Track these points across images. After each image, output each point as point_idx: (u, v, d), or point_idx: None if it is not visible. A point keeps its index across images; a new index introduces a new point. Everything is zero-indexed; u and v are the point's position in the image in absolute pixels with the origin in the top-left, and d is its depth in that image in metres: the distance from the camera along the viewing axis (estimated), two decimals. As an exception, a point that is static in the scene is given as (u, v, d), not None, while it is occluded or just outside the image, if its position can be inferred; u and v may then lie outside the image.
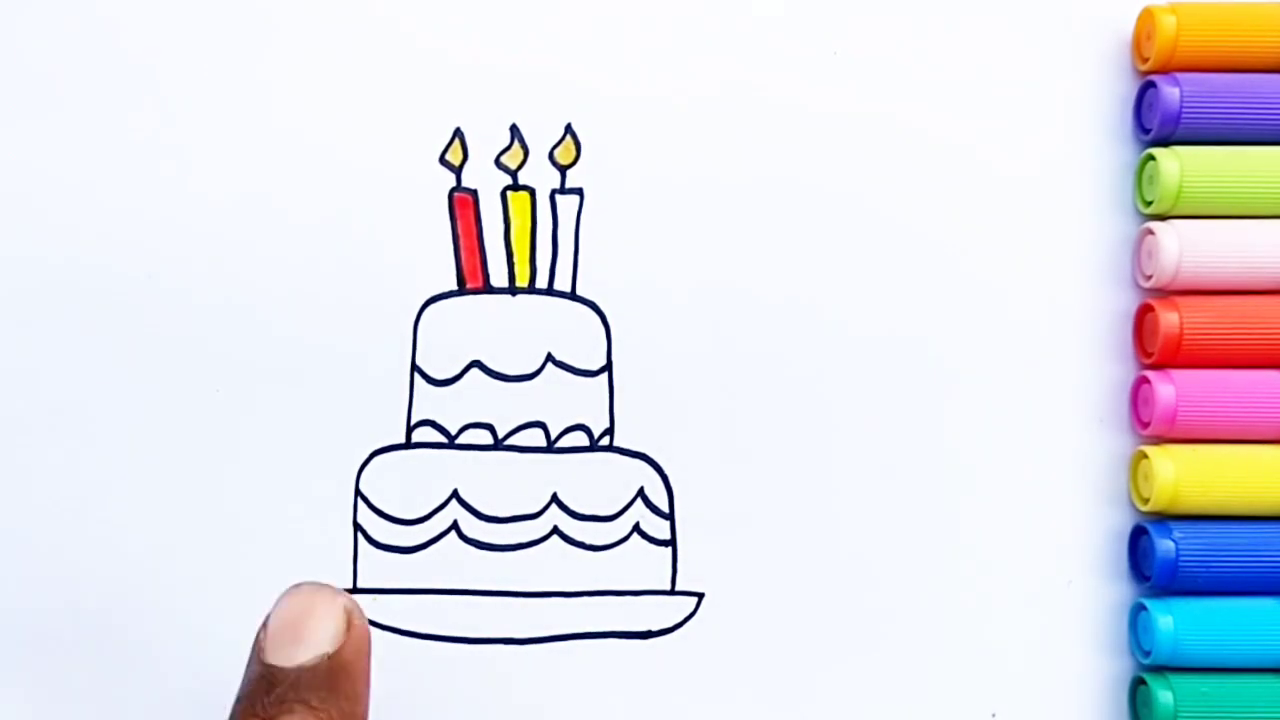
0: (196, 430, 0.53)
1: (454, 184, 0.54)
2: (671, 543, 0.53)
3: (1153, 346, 0.53)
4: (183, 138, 0.54)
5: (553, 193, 0.54)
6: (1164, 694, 0.52)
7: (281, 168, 0.53)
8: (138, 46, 0.54)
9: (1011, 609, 0.53)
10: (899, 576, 0.53)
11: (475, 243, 0.54)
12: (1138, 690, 0.53)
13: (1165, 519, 0.53)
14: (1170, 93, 0.52)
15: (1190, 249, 0.52)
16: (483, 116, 0.54)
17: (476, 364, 0.53)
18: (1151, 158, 0.53)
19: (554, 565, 0.53)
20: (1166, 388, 0.52)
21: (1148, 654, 0.52)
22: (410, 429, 0.53)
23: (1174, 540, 0.52)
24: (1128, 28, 0.54)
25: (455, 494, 0.53)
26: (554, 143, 0.54)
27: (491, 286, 0.54)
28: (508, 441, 0.53)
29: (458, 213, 0.54)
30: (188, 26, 0.54)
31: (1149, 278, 0.53)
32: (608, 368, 0.53)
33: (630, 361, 0.54)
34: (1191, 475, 0.52)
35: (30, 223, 0.54)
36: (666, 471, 0.53)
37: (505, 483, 0.53)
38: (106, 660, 0.53)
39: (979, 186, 0.54)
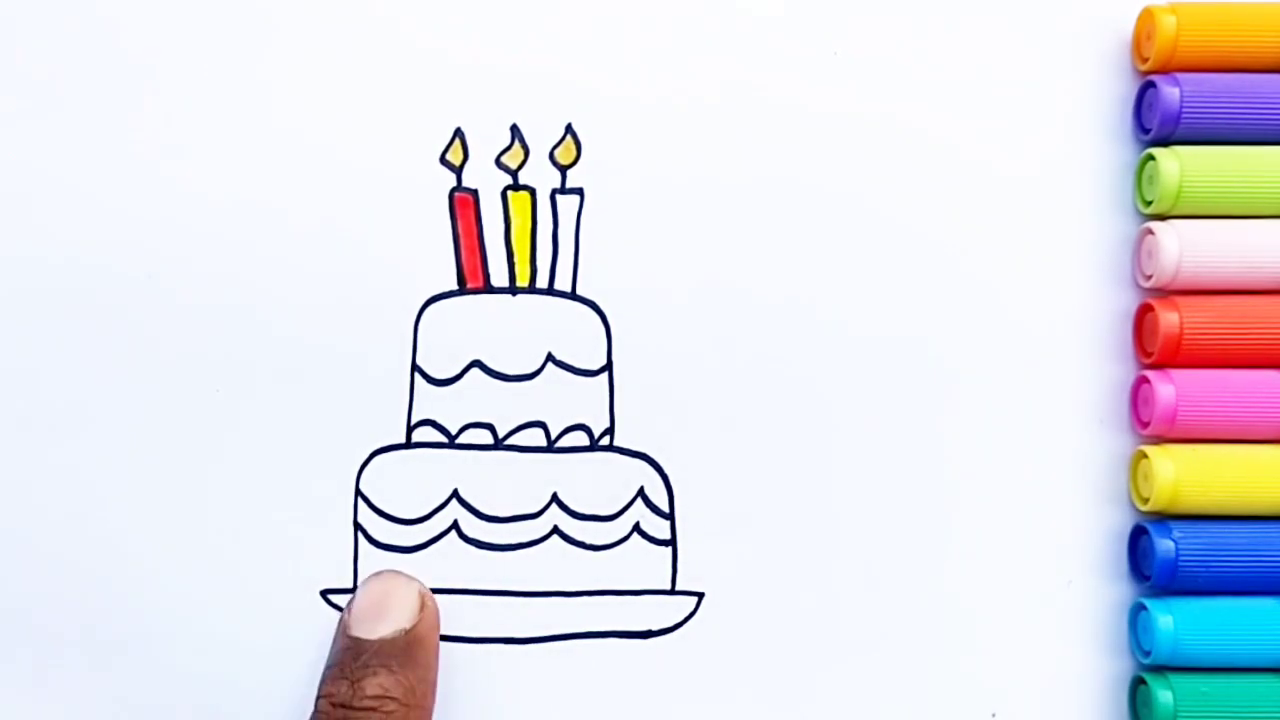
0: (196, 430, 0.53)
1: (454, 184, 0.54)
2: (671, 542, 0.53)
3: (1153, 346, 0.53)
4: (183, 138, 0.54)
5: (553, 192, 0.54)
6: (1164, 694, 0.52)
7: (282, 168, 0.53)
8: (138, 47, 0.54)
9: (1011, 609, 0.53)
10: (899, 576, 0.53)
11: (476, 242, 0.54)
12: (1138, 690, 0.53)
13: (1165, 519, 0.53)
14: (1170, 93, 0.52)
15: (1190, 249, 0.52)
16: (483, 116, 0.54)
17: (477, 364, 0.53)
18: (1151, 158, 0.53)
19: (554, 565, 0.53)
20: (1166, 388, 0.52)
21: (1148, 654, 0.52)
22: (410, 429, 0.53)
23: (1174, 540, 0.52)
24: (1128, 28, 0.54)
25: (455, 494, 0.53)
26: (554, 143, 0.54)
27: (492, 286, 0.54)
28: (508, 441, 0.53)
29: (458, 212, 0.54)
30: (188, 27, 0.54)
31: (1149, 277, 0.53)
32: (608, 368, 0.53)
33: (630, 361, 0.54)
34: (1191, 475, 0.52)
35: (30, 223, 0.54)
36: (666, 471, 0.53)
37: (505, 482, 0.53)
38: (107, 660, 0.53)
39: (979, 187, 0.54)
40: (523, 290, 0.54)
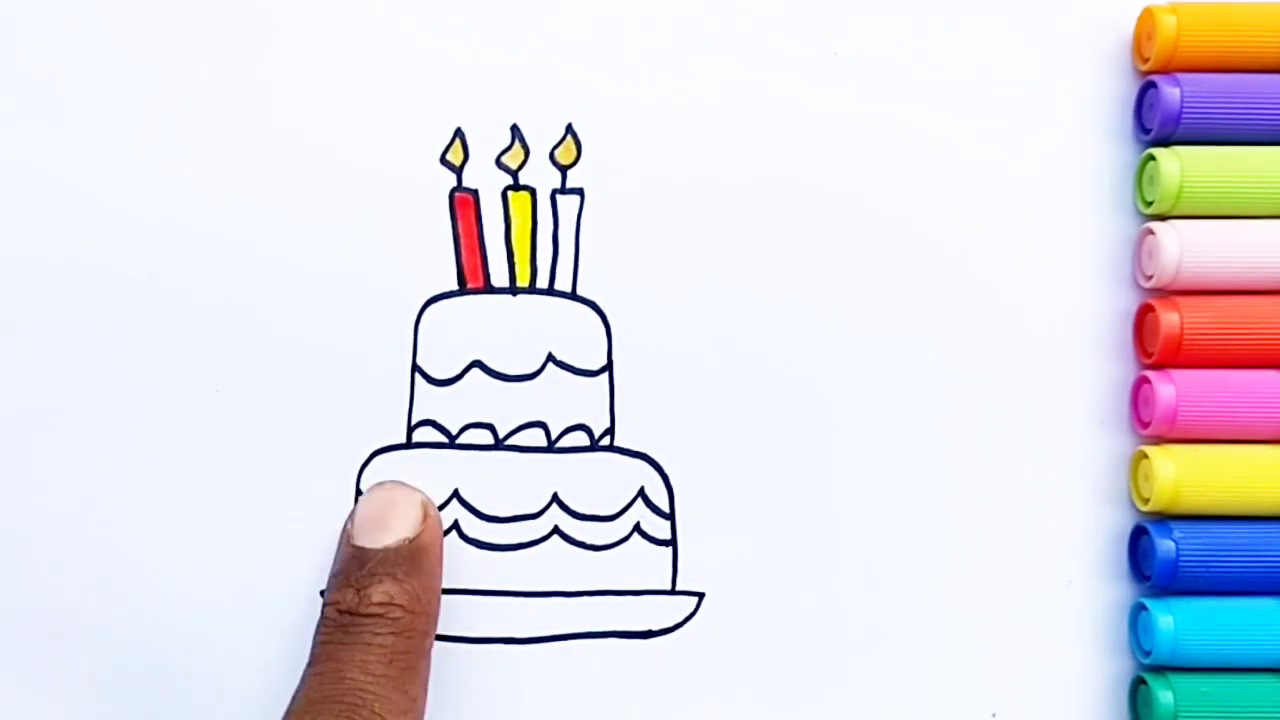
0: (196, 430, 0.53)
1: (455, 184, 0.54)
2: (672, 543, 0.53)
3: (1153, 346, 0.53)
4: (183, 138, 0.54)
5: (553, 193, 0.54)
6: (1164, 694, 0.52)
7: (282, 168, 0.53)
8: (138, 47, 0.54)
9: (1011, 609, 0.53)
10: (899, 576, 0.53)
11: (476, 242, 0.54)
12: (1138, 690, 0.53)
13: (1165, 519, 0.53)
14: (1171, 93, 0.52)
15: (1191, 249, 0.52)
16: (483, 116, 0.54)
17: (477, 364, 0.53)
18: (1152, 158, 0.53)
19: (554, 565, 0.53)
20: (1167, 388, 0.52)
21: (1148, 654, 0.52)
22: (411, 429, 0.53)
23: (1174, 540, 0.52)
24: (1128, 28, 0.54)
25: (456, 494, 0.53)
26: (555, 143, 0.54)
27: (492, 286, 0.54)
28: (508, 441, 0.53)
29: (458, 213, 0.54)
30: (188, 27, 0.54)
31: (1149, 278, 0.53)
32: (608, 368, 0.53)
33: (630, 361, 0.54)
34: (1191, 475, 0.52)
35: (30, 223, 0.54)
36: (667, 471, 0.53)
37: (506, 483, 0.53)
38: (106, 660, 0.53)
39: (979, 187, 0.54)
40: (523, 290, 0.54)
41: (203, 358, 0.53)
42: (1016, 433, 0.53)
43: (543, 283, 0.54)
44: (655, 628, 0.53)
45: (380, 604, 0.49)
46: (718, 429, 0.53)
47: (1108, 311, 0.54)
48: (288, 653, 0.53)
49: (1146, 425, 0.53)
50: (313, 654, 0.49)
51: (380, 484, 0.52)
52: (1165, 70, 0.53)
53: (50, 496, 0.53)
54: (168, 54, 0.54)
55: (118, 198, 0.53)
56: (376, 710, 0.47)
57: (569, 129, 0.54)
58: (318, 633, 0.49)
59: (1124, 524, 0.53)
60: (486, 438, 0.53)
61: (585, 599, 0.53)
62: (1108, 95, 0.54)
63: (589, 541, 0.53)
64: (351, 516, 0.51)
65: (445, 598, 0.53)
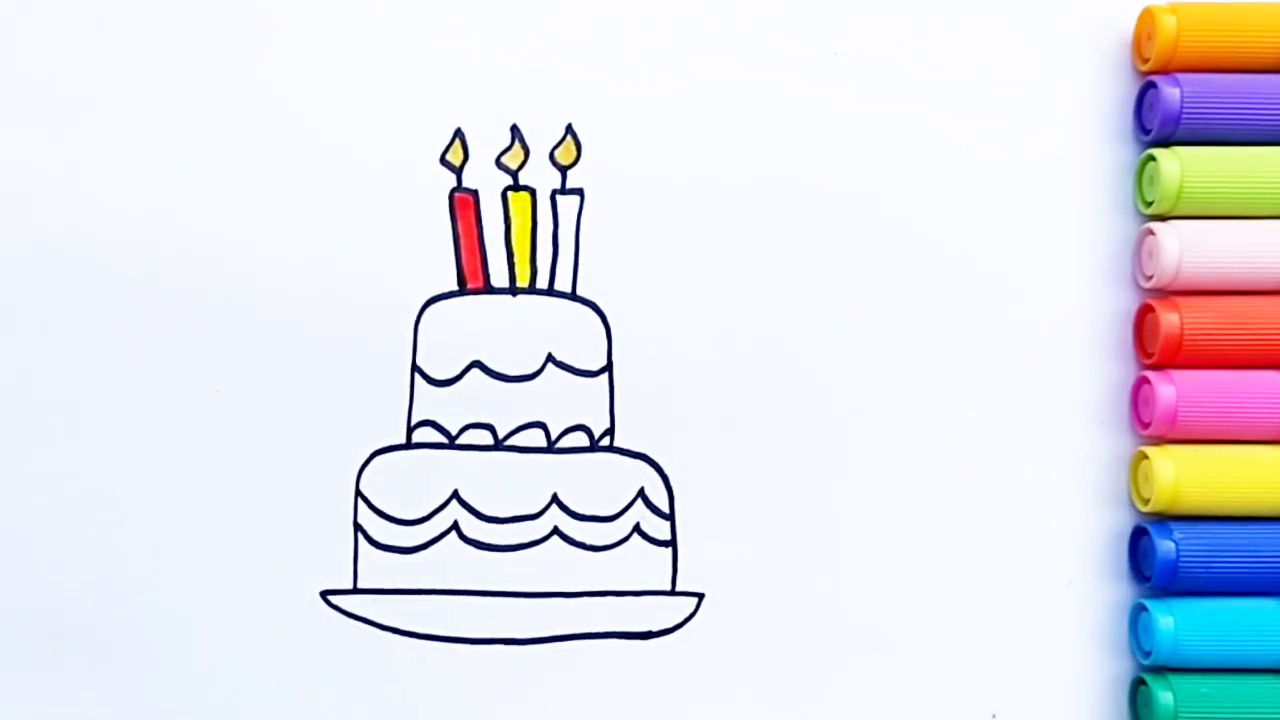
0: (197, 430, 0.53)
1: (455, 184, 0.54)
2: (672, 543, 0.53)
3: (1153, 347, 0.53)
4: (183, 139, 0.54)
5: (553, 193, 0.54)
6: (1164, 694, 0.52)
7: (282, 168, 0.53)
8: (138, 48, 0.54)
9: (1011, 609, 0.53)
10: (899, 576, 0.53)
11: (476, 243, 0.54)
12: (1138, 691, 0.53)
13: (1166, 519, 0.53)
14: (1171, 93, 0.52)
15: (1190, 249, 0.52)
16: (483, 117, 0.54)
17: (477, 364, 0.53)
18: (1152, 158, 0.53)
19: (554, 565, 0.53)
20: (1167, 388, 0.52)
21: (1148, 654, 0.52)
22: (410, 429, 0.53)
23: (1174, 541, 0.52)
24: (1128, 28, 0.54)
25: (455, 494, 0.53)
26: (555, 143, 0.54)
27: (492, 287, 0.54)
28: (508, 442, 0.53)
29: (458, 213, 0.54)
30: (188, 28, 0.54)
31: (1149, 278, 0.53)
32: (608, 368, 0.53)
33: (630, 361, 0.54)
34: (1191, 475, 0.52)
35: (31, 223, 0.54)
36: (667, 471, 0.53)
37: (505, 483, 0.53)
38: (106, 660, 0.53)
39: (979, 187, 0.54)
40: (523, 291, 0.54)
41: (203, 357, 0.53)
42: (1016, 433, 0.53)
43: (543, 283, 0.54)
44: (655, 628, 0.53)
45: None
46: (718, 429, 0.53)
47: (1108, 311, 0.54)
48: (288, 653, 0.53)
49: (1146, 425, 0.53)
50: None
51: None
52: (1165, 70, 0.53)
53: (50, 496, 0.53)
54: (168, 55, 0.54)
55: (118, 197, 0.53)
56: None
57: (569, 129, 0.54)
58: None
59: (1124, 524, 0.53)
60: (486, 438, 0.53)
61: (585, 599, 0.53)
62: (1108, 95, 0.54)
63: (589, 542, 0.53)
64: None
65: (445, 598, 0.53)
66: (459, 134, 0.54)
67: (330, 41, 0.54)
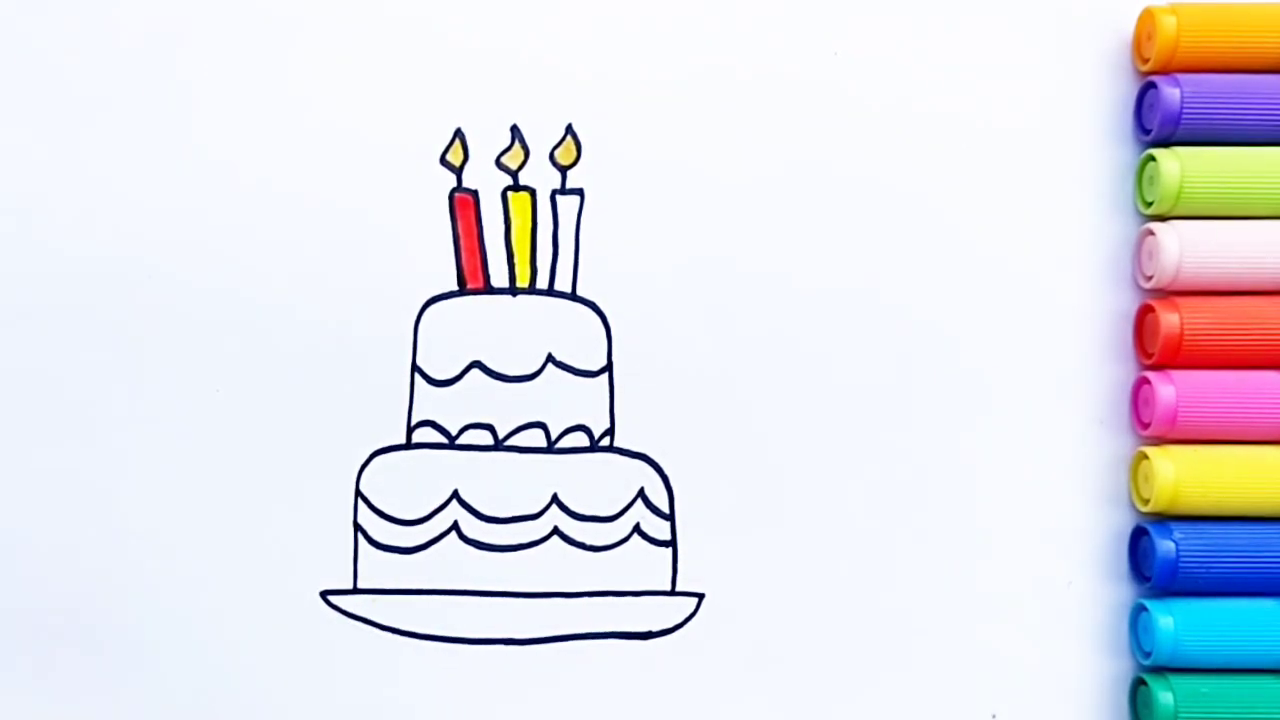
0: (197, 430, 0.53)
1: (455, 184, 0.54)
2: (672, 543, 0.53)
3: (1153, 347, 0.53)
4: (183, 139, 0.54)
5: (553, 193, 0.54)
6: (1164, 695, 0.52)
7: (282, 168, 0.53)
8: (138, 49, 0.54)
9: (1011, 609, 0.53)
10: (899, 577, 0.53)
11: (476, 243, 0.54)
12: (1138, 691, 0.53)
13: (1166, 519, 0.53)
14: (1171, 93, 0.52)
15: (1190, 249, 0.52)
16: (483, 117, 0.54)
17: (477, 364, 0.53)
18: (1152, 158, 0.53)
19: (554, 566, 0.53)
20: (1167, 388, 0.52)
21: (1148, 654, 0.52)
22: (410, 429, 0.53)
23: (1174, 541, 0.52)
24: (1128, 28, 0.54)
25: (455, 494, 0.53)
26: (555, 143, 0.54)
27: (492, 287, 0.54)
28: (508, 442, 0.53)
29: (458, 213, 0.54)
30: (189, 29, 0.54)
31: (1149, 278, 0.53)
32: (608, 368, 0.53)
33: (630, 361, 0.54)
34: (1191, 476, 0.52)
35: (31, 223, 0.54)
36: (666, 472, 0.53)
37: (505, 483, 0.53)
38: (106, 660, 0.53)
39: (979, 187, 0.54)
40: (523, 291, 0.54)
41: (203, 358, 0.53)
42: (1017, 433, 0.53)
43: (543, 283, 0.54)
44: (655, 628, 0.53)
45: None
46: (718, 429, 0.53)
47: (1108, 312, 0.54)
48: (288, 653, 0.53)
49: (1147, 426, 0.53)
50: None
51: None
52: (1165, 71, 0.53)
53: (50, 496, 0.53)
54: (168, 55, 0.54)
55: (118, 197, 0.53)
56: None
57: (569, 129, 0.54)
58: None
59: (1124, 524, 0.53)
60: (486, 438, 0.53)
61: (585, 600, 0.53)
62: (1108, 96, 0.54)
63: (589, 542, 0.53)
64: None
65: (445, 599, 0.53)
66: (459, 134, 0.54)
67: (330, 41, 0.54)
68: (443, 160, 0.54)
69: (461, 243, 0.54)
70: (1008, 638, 0.53)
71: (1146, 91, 0.53)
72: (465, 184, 0.54)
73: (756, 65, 0.54)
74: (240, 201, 0.53)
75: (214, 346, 0.53)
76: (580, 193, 0.54)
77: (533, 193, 0.54)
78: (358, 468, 0.53)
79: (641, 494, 0.53)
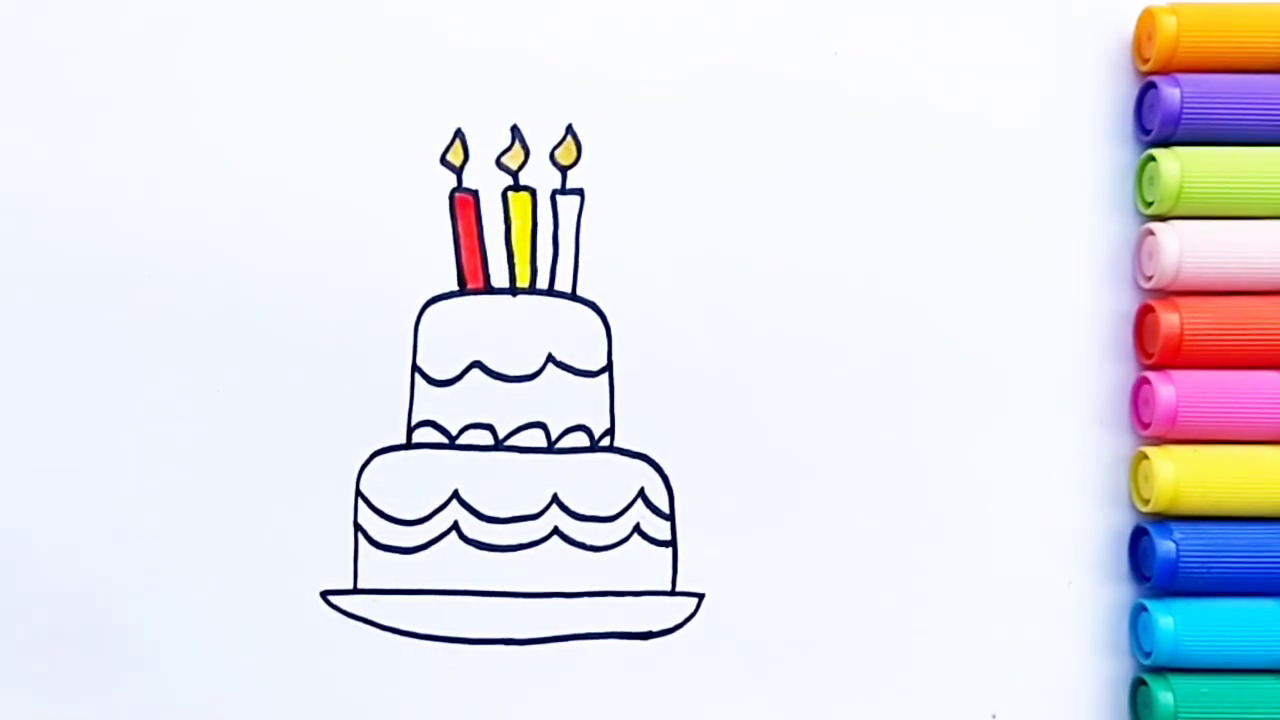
0: (197, 430, 0.53)
1: (455, 184, 0.54)
2: (672, 543, 0.53)
3: (1153, 347, 0.53)
4: (184, 139, 0.54)
5: (553, 193, 0.54)
6: (1164, 695, 0.52)
7: (282, 168, 0.53)
8: (139, 48, 0.54)
9: (1011, 609, 0.53)
10: (899, 577, 0.53)
11: (476, 243, 0.54)
12: (1138, 691, 0.53)
13: (1166, 520, 0.53)
14: (1171, 93, 0.52)
15: (1190, 249, 0.52)
16: (483, 117, 0.54)
17: (477, 364, 0.53)
18: (1152, 158, 0.53)
19: (554, 566, 0.53)
20: (1167, 388, 0.52)
21: (1148, 655, 0.52)
22: (411, 429, 0.53)
23: (1174, 541, 0.52)
24: (1128, 28, 0.54)
25: (456, 494, 0.53)
26: (555, 143, 0.54)
27: (492, 287, 0.54)
28: (508, 442, 0.53)
29: (458, 213, 0.54)
30: (190, 28, 0.54)
31: (1149, 278, 0.53)
32: (608, 368, 0.53)
33: (630, 361, 0.54)
34: (1192, 476, 0.52)
35: (31, 223, 0.54)
36: (667, 472, 0.53)
37: (506, 483, 0.53)
38: (106, 660, 0.53)
39: (979, 186, 0.54)
40: (523, 291, 0.54)
41: (203, 358, 0.53)
42: (1016, 433, 0.53)
43: (543, 283, 0.54)
44: (655, 628, 0.53)
45: None
46: (718, 429, 0.53)
47: (1108, 312, 0.54)
48: (288, 653, 0.53)
49: (1147, 426, 0.53)
50: None
51: None
52: (1165, 71, 0.53)
53: (50, 496, 0.53)
54: (169, 55, 0.54)
55: (118, 198, 0.53)
56: None
57: (569, 129, 0.54)
58: None
59: (1124, 525, 0.53)
60: (486, 438, 0.53)
61: (585, 600, 0.53)
62: (1108, 96, 0.54)
63: (589, 542, 0.53)
64: None
65: (446, 599, 0.53)
66: (459, 134, 0.54)
67: (331, 41, 0.54)
68: (443, 160, 0.54)
69: (462, 243, 0.54)
70: (1008, 638, 0.53)
71: (1146, 91, 0.53)
72: (465, 184, 0.54)
73: (757, 65, 0.54)
74: (240, 201, 0.53)
75: (214, 346, 0.53)
76: (580, 193, 0.54)
77: (533, 193, 0.54)
78: (358, 468, 0.53)
79: (641, 494, 0.53)
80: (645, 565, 0.53)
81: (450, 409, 0.53)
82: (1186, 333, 0.52)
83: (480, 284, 0.54)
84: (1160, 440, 0.53)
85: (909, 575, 0.53)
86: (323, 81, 0.54)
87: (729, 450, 0.53)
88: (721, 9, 0.54)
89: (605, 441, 0.53)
